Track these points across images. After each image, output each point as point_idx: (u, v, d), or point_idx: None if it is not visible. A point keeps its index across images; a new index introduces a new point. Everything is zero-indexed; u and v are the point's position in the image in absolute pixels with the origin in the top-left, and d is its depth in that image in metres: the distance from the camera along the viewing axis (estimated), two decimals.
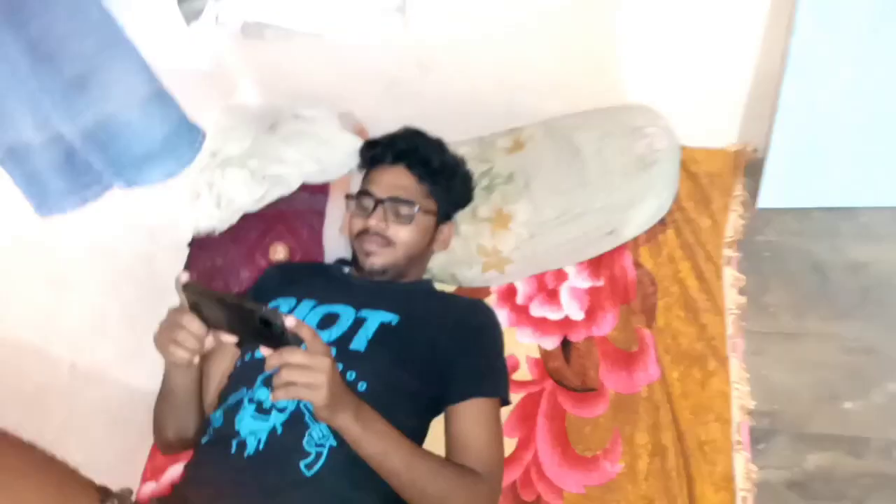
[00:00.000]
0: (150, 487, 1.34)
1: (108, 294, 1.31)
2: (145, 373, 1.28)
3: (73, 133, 0.89)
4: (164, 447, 1.17)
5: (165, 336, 0.96)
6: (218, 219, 1.51)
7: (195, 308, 0.94)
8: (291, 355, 0.85)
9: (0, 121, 0.87)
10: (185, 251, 1.55)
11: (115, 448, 1.30)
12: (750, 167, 1.51)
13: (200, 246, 1.53)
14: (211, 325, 0.95)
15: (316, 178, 1.55)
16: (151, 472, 1.35)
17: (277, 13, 0.93)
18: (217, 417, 1.07)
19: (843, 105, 1.28)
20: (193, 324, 0.94)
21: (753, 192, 1.47)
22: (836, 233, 1.43)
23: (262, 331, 0.86)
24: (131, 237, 1.39)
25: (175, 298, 0.96)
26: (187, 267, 1.53)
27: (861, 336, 1.30)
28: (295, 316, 0.89)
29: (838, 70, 1.22)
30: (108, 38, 0.85)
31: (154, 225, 1.45)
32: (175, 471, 1.33)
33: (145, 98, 0.90)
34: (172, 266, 1.51)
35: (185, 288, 0.93)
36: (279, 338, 0.86)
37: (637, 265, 1.41)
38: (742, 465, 1.16)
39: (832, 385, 1.25)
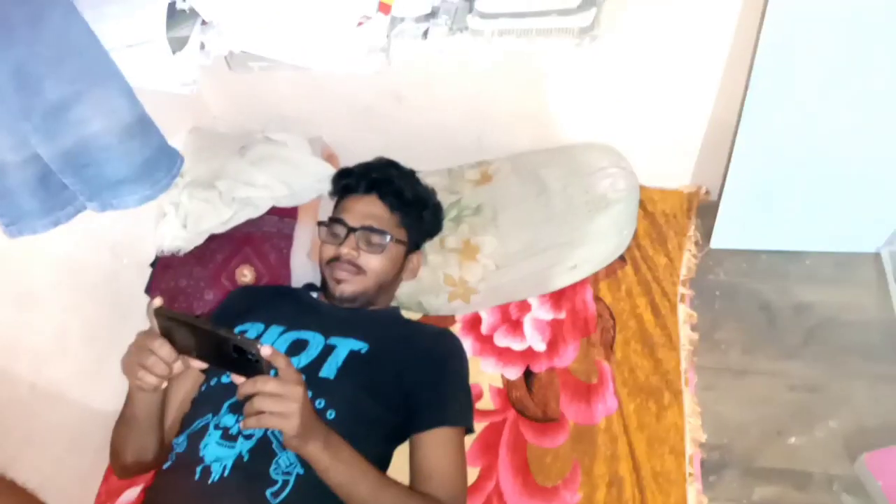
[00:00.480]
0: None
1: (70, 312, 1.28)
2: (104, 393, 1.27)
3: (50, 154, 0.88)
4: (121, 470, 1.14)
5: (134, 360, 0.95)
6: (183, 239, 1.50)
7: (165, 333, 0.94)
8: (264, 384, 0.86)
9: None
10: (149, 270, 1.53)
11: (71, 469, 1.27)
12: (704, 209, 1.59)
13: (164, 266, 1.51)
14: (180, 349, 0.94)
15: (285, 202, 1.55)
16: (106, 496, 1.31)
17: (264, 45, 0.94)
18: (180, 443, 1.06)
19: (793, 156, 1.36)
20: (164, 349, 0.93)
21: (707, 233, 1.54)
22: (784, 275, 1.51)
23: (234, 358, 0.87)
24: (95, 255, 1.37)
25: (140, 318, 0.95)
26: (149, 286, 1.51)
27: (805, 374, 1.37)
28: (263, 342, 0.89)
29: (791, 123, 1.30)
30: (93, 63, 0.85)
31: (118, 243, 1.42)
32: (130, 495, 1.31)
33: (127, 123, 0.90)
34: (135, 285, 1.49)
35: (157, 312, 0.92)
36: (252, 366, 0.86)
37: (597, 299, 1.45)
38: (694, 497, 1.20)
39: (778, 421, 1.32)
